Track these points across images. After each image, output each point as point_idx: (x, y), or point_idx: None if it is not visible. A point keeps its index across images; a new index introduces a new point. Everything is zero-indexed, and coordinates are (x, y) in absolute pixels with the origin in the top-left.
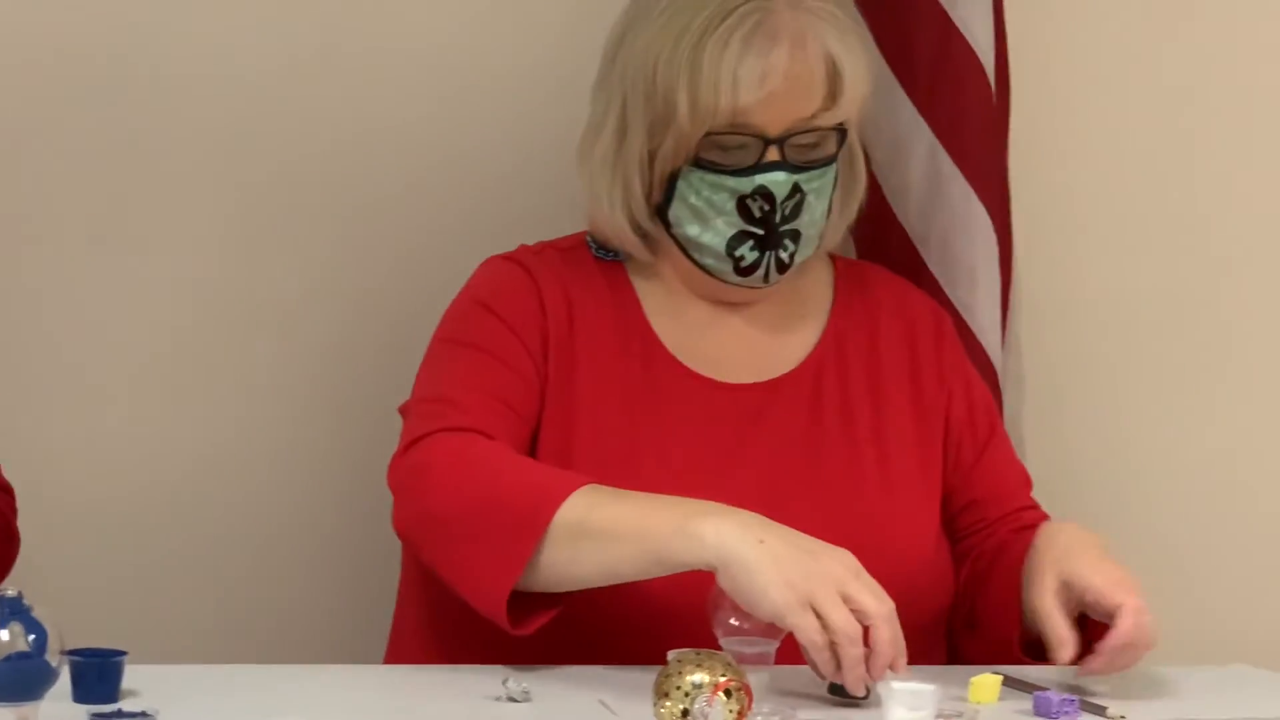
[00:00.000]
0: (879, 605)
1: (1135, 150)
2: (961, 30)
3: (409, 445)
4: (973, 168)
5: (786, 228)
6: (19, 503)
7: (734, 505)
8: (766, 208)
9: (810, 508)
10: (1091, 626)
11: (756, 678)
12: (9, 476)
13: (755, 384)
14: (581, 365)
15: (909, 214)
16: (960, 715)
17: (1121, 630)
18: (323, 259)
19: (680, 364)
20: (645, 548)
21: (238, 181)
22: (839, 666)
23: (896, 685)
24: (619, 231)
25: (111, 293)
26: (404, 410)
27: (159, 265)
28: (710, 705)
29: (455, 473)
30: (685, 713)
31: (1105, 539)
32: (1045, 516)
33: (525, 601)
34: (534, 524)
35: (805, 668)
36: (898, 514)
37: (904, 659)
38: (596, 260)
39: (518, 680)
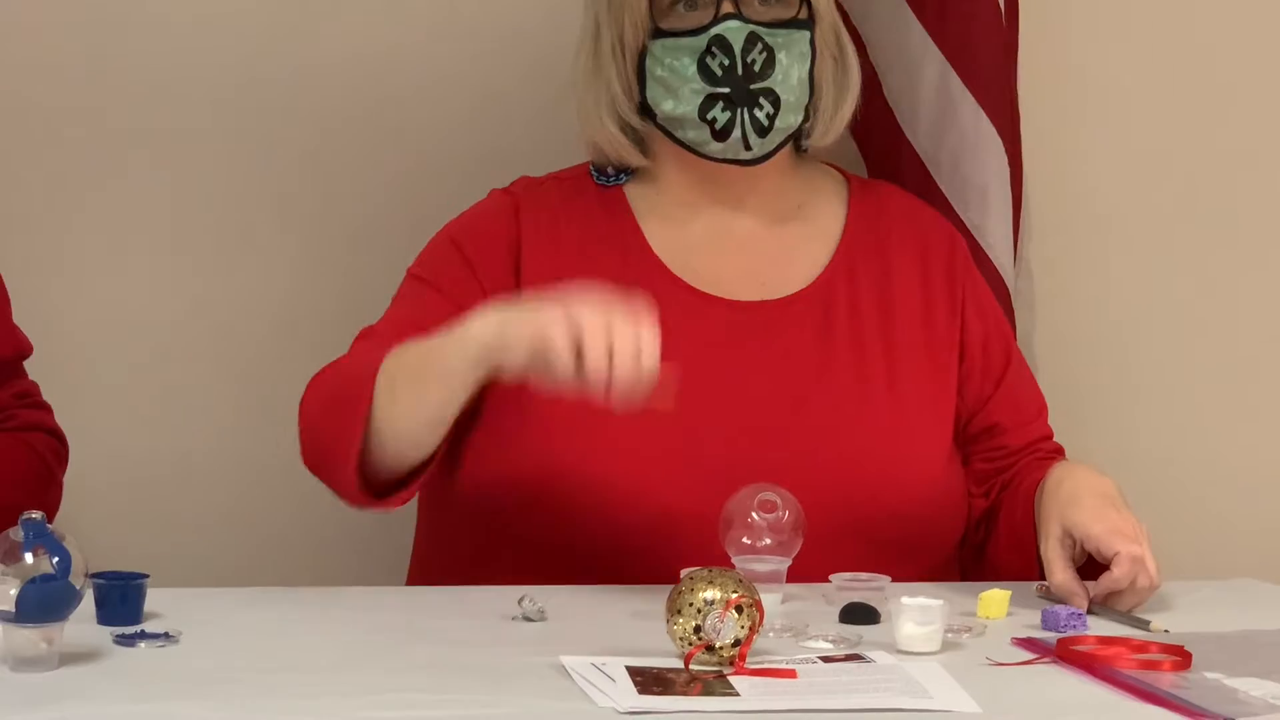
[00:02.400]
0: (621, 337)
1: (1147, 70)
2: None
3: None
4: (983, 89)
5: (757, 85)
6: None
7: (743, 423)
8: (726, 61)
9: (820, 423)
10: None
11: (768, 595)
12: None
13: (763, 301)
14: (573, 289)
15: (919, 135)
16: (969, 629)
17: (1112, 577)
18: (326, 242)
19: (682, 282)
20: (439, 371)
21: (242, 169)
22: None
23: (906, 600)
24: (611, 139)
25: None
26: (358, 335)
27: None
28: (722, 621)
29: (312, 392)
30: (697, 629)
31: (1114, 481)
32: (1060, 449)
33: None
34: (360, 395)
35: (818, 585)
36: (907, 432)
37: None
38: (597, 188)
39: (533, 600)
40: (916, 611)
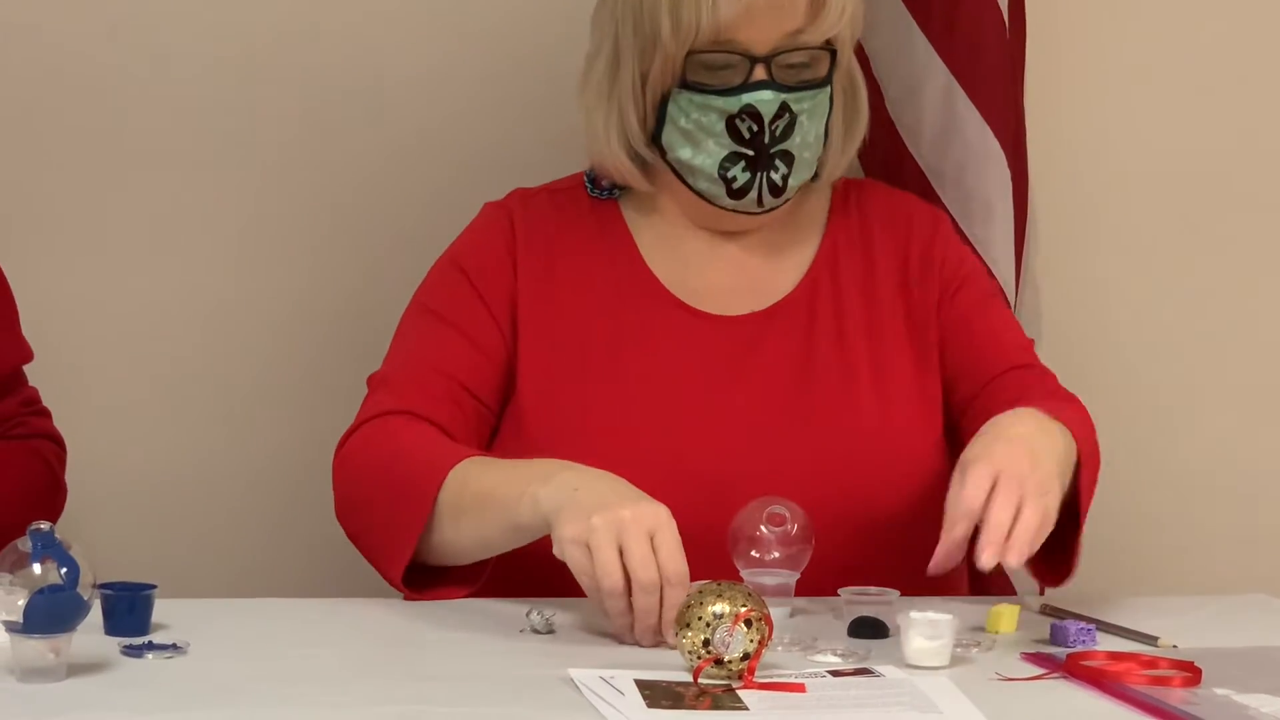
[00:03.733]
0: (642, 567)
1: (1155, 84)
2: None
3: (346, 436)
4: (987, 103)
5: (777, 148)
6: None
7: (733, 436)
8: (755, 128)
9: (805, 431)
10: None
11: (776, 609)
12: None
13: (750, 314)
14: (566, 308)
15: (923, 149)
16: (979, 644)
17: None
18: (329, 246)
19: (675, 298)
20: (503, 518)
21: (242, 172)
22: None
23: (915, 615)
24: (617, 162)
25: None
26: (369, 383)
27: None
28: (731, 635)
29: (360, 467)
30: (707, 643)
31: (1055, 434)
32: (1041, 377)
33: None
34: (419, 508)
35: (826, 599)
36: (895, 431)
37: (670, 632)
38: (591, 200)
39: (541, 612)
40: (925, 626)
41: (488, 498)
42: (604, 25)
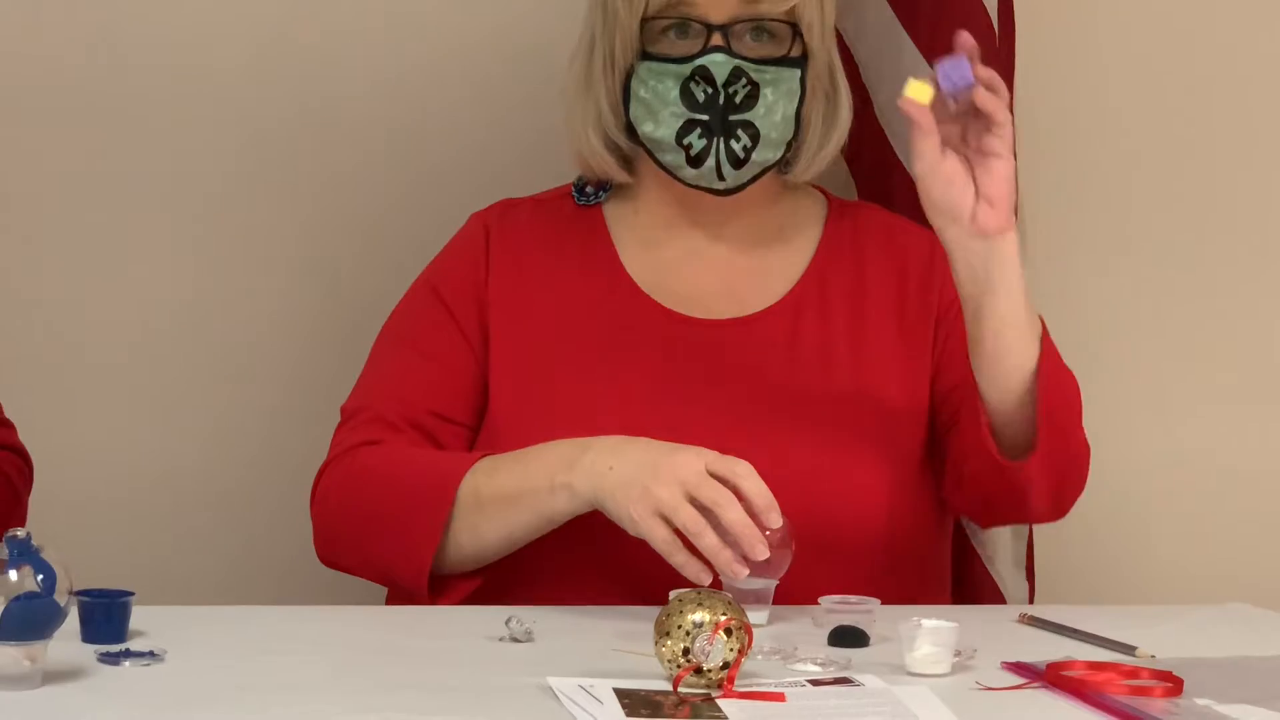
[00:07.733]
0: (721, 492)
1: (1148, 90)
2: None
3: (320, 472)
4: None
5: (737, 117)
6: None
7: (709, 439)
8: (709, 90)
9: (784, 436)
10: None
11: (755, 614)
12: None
13: (731, 319)
14: (539, 313)
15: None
16: (958, 654)
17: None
18: (311, 250)
19: (652, 301)
20: (533, 509)
21: (223, 177)
22: (706, 567)
23: (925, 622)
24: (595, 153)
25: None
26: (341, 412)
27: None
28: (711, 644)
29: (344, 500)
30: (686, 651)
31: None
32: None
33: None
34: (440, 504)
35: (805, 607)
36: (874, 444)
37: (766, 538)
38: (575, 208)
39: (520, 620)
40: (933, 633)
41: (511, 496)
42: (585, 20)
